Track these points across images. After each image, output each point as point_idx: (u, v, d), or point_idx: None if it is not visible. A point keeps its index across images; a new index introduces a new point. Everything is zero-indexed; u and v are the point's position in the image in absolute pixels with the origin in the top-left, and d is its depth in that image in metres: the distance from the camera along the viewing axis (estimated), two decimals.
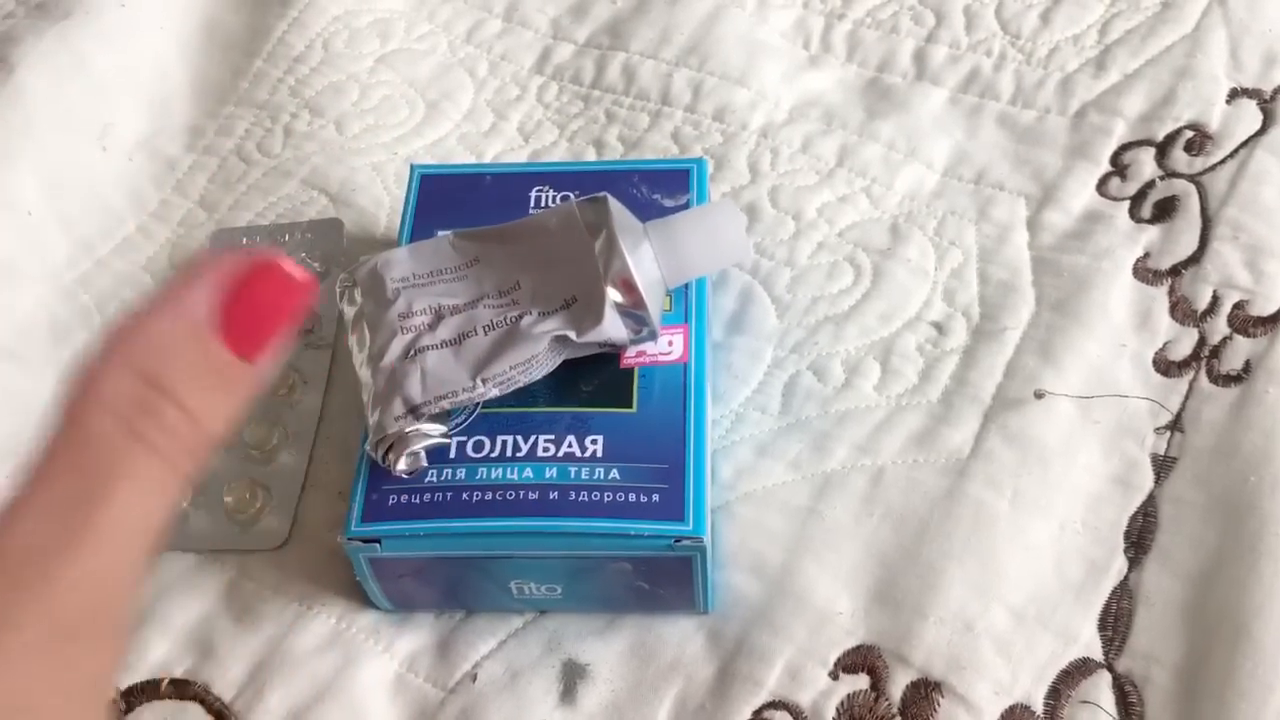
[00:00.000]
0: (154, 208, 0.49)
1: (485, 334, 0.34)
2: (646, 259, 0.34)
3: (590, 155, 0.48)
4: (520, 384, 0.34)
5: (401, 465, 0.33)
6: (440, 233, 0.36)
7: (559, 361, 0.34)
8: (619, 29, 0.52)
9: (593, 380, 0.35)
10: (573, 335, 0.33)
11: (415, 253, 0.36)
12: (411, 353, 0.34)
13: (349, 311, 0.36)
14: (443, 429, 0.34)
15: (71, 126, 0.49)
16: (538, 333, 0.33)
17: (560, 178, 0.41)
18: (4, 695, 0.19)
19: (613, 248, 0.34)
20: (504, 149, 0.49)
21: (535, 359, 0.33)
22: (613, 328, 0.33)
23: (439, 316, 0.34)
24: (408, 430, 0.33)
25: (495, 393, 0.33)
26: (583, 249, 0.34)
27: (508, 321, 0.34)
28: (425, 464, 0.33)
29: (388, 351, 0.34)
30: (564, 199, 0.40)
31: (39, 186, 0.47)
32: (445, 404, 0.33)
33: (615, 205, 0.35)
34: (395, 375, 0.33)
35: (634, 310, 0.34)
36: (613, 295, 0.33)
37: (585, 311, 0.34)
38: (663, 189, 0.40)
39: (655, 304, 0.34)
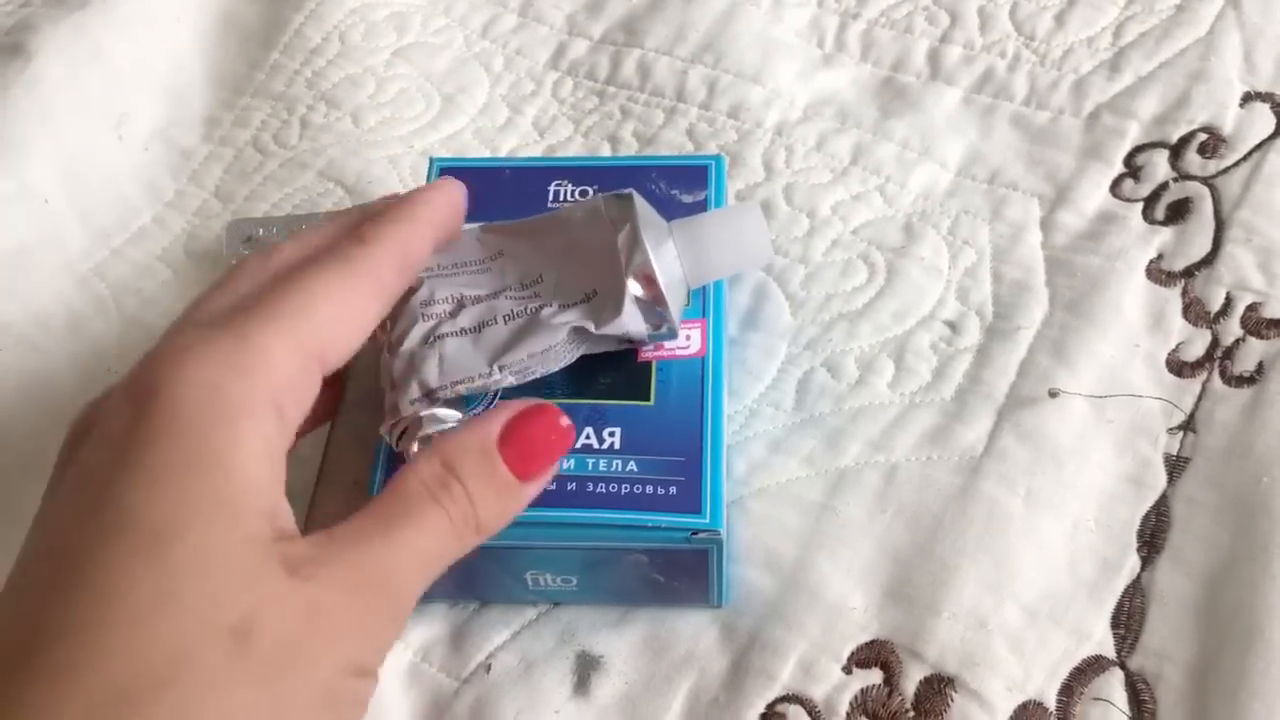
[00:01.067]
0: (170, 198, 0.49)
1: (505, 323, 0.34)
2: (669, 256, 0.34)
3: (605, 151, 0.49)
4: (537, 374, 0.34)
5: (415, 449, 0.33)
6: (467, 226, 0.36)
7: (578, 354, 0.34)
8: (634, 25, 0.52)
9: (611, 373, 0.35)
10: (591, 327, 0.33)
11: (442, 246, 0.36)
12: (430, 339, 0.34)
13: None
14: (458, 415, 0.34)
15: (88, 116, 0.49)
16: (556, 323, 0.33)
17: (579, 173, 0.41)
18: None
19: (635, 242, 0.34)
20: (519, 144, 0.49)
21: (553, 349, 0.33)
22: (632, 321, 0.34)
23: (460, 305, 0.34)
24: (423, 414, 0.33)
25: (511, 380, 0.34)
26: (606, 242, 0.34)
27: (528, 312, 0.34)
28: None
29: (408, 337, 0.34)
30: (583, 193, 0.40)
31: (56, 175, 0.48)
32: (461, 389, 0.33)
33: (640, 201, 0.35)
34: (413, 360, 0.33)
35: (654, 305, 0.34)
36: (633, 289, 0.34)
37: (605, 304, 0.34)
38: (681, 185, 0.40)
39: (676, 301, 0.34)
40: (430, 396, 0.33)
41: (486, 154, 0.49)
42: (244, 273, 0.30)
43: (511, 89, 0.51)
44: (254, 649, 0.24)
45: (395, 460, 0.34)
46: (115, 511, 0.24)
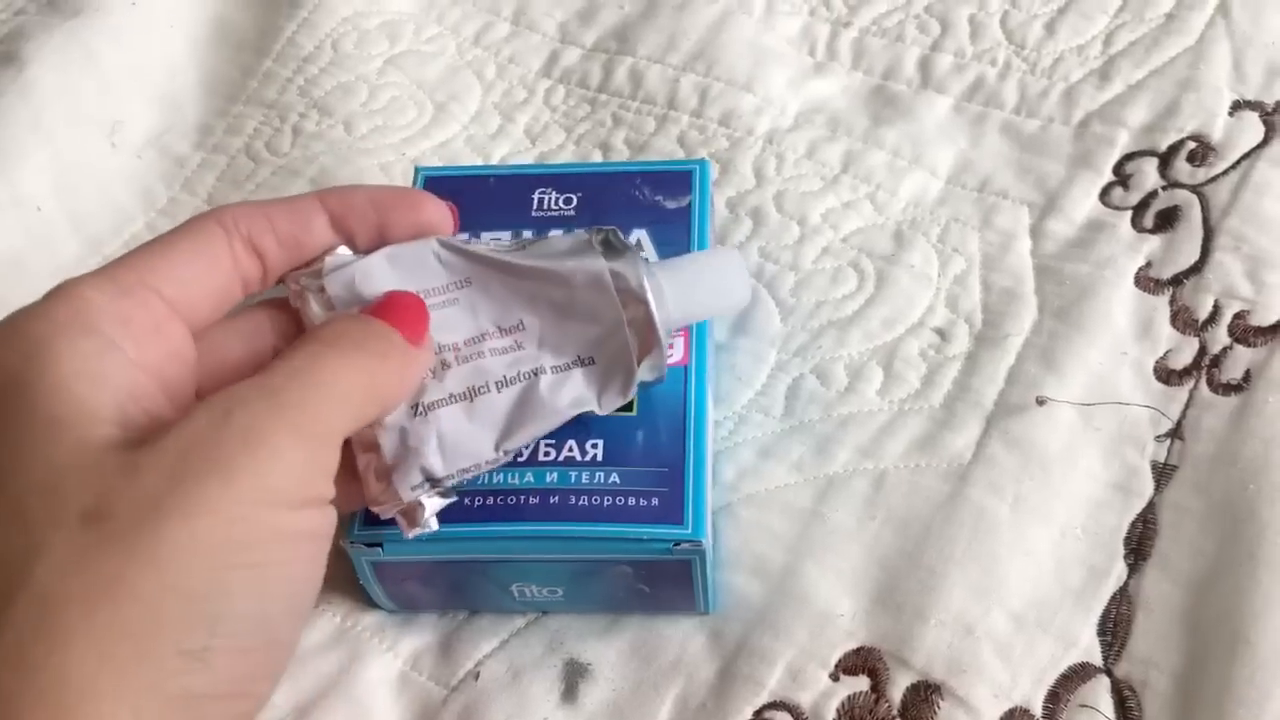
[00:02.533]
0: (163, 205, 0.49)
1: (498, 390, 0.32)
2: (665, 305, 0.33)
3: (596, 158, 0.49)
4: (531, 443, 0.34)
5: (413, 532, 0.31)
6: (422, 240, 0.34)
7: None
8: (626, 34, 0.53)
9: None
10: (596, 409, 0.33)
11: (396, 262, 0.33)
12: (419, 409, 0.31)
13: (318, 319, 0.32)
14: (454, 493, 0.32)
15: (81, 123, 0.50)
16: (561, 406, 0.32)
17: (563, 179, 0.41)
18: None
19: (649, 324, 0.33)
20: (511, 151, 0.50)
21: (555, 426, 0.33)
22: (631, 394, 0.33)
23: (443, 362, 0.32)
24: (424, 500, 0.31)
25: (512, 458, 0.33)
26: (612, 313, 0.33)
27: (521, 377, 0.32)
28: (436, 527, 0.31)
29: None
30: (566, 201, 0.40)
31: (48, 182, 0.48)
32: (467, 475, 0.32)
33: (646, 269, 0.33)
34: (406, 439, 0.31)
35: (655, 376, 0.33)
36: (643, 374, 0.33)
37: (608, 378, 0.33)
38: (665, 190, 0.40)
39: (664, 349, 0.33)
40: (434, 483, 0.31)
41: (478, 161, 0.49)
42: None
43: (504, 97, 0.52)
44: (112, 523, 0.24)
45: None
46: None
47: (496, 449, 0.32)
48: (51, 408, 0.26)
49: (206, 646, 0.24)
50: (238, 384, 0.27)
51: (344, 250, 0.33)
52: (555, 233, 0.37)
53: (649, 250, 0.39)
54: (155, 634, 0.24)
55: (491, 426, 0.32)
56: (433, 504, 0.31)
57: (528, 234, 0.39)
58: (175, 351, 0.29)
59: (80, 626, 0.23)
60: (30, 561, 0.24)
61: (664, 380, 0.34)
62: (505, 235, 0.39)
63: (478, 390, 0.32)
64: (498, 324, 0.33)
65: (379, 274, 0.33)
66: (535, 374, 0.32)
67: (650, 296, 0.33)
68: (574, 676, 0.35)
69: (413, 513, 0.31)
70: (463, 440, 0.31)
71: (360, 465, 0.31)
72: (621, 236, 0.34)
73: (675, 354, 0.36)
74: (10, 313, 0.28)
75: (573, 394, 0.32)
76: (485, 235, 0.39)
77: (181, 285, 0.30)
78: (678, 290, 0.34)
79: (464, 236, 0.37)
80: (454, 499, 0.32)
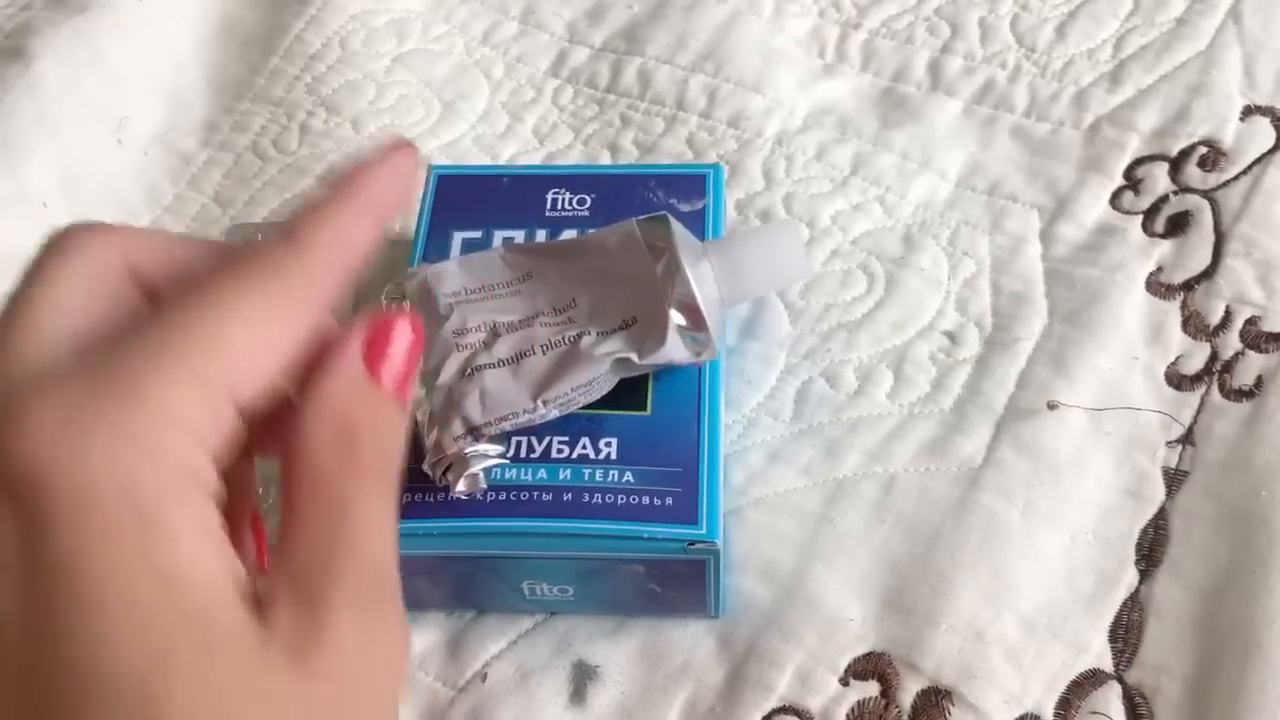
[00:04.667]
0: (169, 202, 0.49)
1: (544, 353, 0.34)
2: (707, 279, 0.34)
3: (605, 159, 0.49)
4: (579, 404, 0.34)
5: (461, 486, 0.33)
6: (490, 248, 0.36)
7: (616, 381, 0.34)
8: (635, 34, 0.52)
9: None
10: (635, 358, 0.33)
11: (465, 266, 0.36)
12: (469, 371, 0.33)
13: None
14: (500, 449, 0.33)
15: (88, 119, 0.49)
16: (599, 354, 0.33)
17: (577, 181, 0.41)
18: None
19: (676, 270, 0.34)
20: (519, 151, 0.49)
21: (596, 380, 0.33)
22: (674, 349, 0.33)
23: (495, 334, 0.34)
24: (467, 451, 0.33)
25: (555, 414, 0.33)
26: (644, 270, 0.34)
27: (566, 341, 0.34)
28: (484, 485, 0.33)
29: (443, 369, 0.33)
30: (580, 202, 0.40)
31: (55, 179, 0.48)
32: (506, 425, 0.33)
33: (677, 225, 0.35)
34: (453, 394, 0.33)
35: (695, 332, 0.34)
36: (676, 318, 0.33)
37: (647, 333, 0.33)
38: (679, 194, 0.40)
39: (715, 324, 0.34)
40: (474, 433, 0.33)
41: (486, 161, 0.49)
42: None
43: (512, 96, 0.51)
44: None
45: None
46: (70, 677, 0.19)
47: (534, 399, 0.33)
48: (191, 605, 0.20)
49: None
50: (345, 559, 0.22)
51: (425, 264, 0.37)
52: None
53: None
54: None
55: (532, 382, 0.33)
56: (482, 460, 0.33)
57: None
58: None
59: None
60: None
61: (715, 357, 0.35)
62: (519, 235, 0.39)
63: (523, 354, 0.34)
64: (552, 305, 0.35)
65: (449, 275, 0.36)
66: (579, 336, 0.34)
67: (678, 245, 0.34)
68: (582, 678, 0.35)
69: (461, 464, 0.32)
70: (503, 394, 0.33)
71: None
72: (667, 214, 0.35)
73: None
74: (78, 400, 0.20)
75: (611, 347, 0.33)
76: (498, 235, 0.39)
77: (258, 384, 0.23)
78: (730, 266, 0.35)
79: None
80: (505, 460, 0.33)
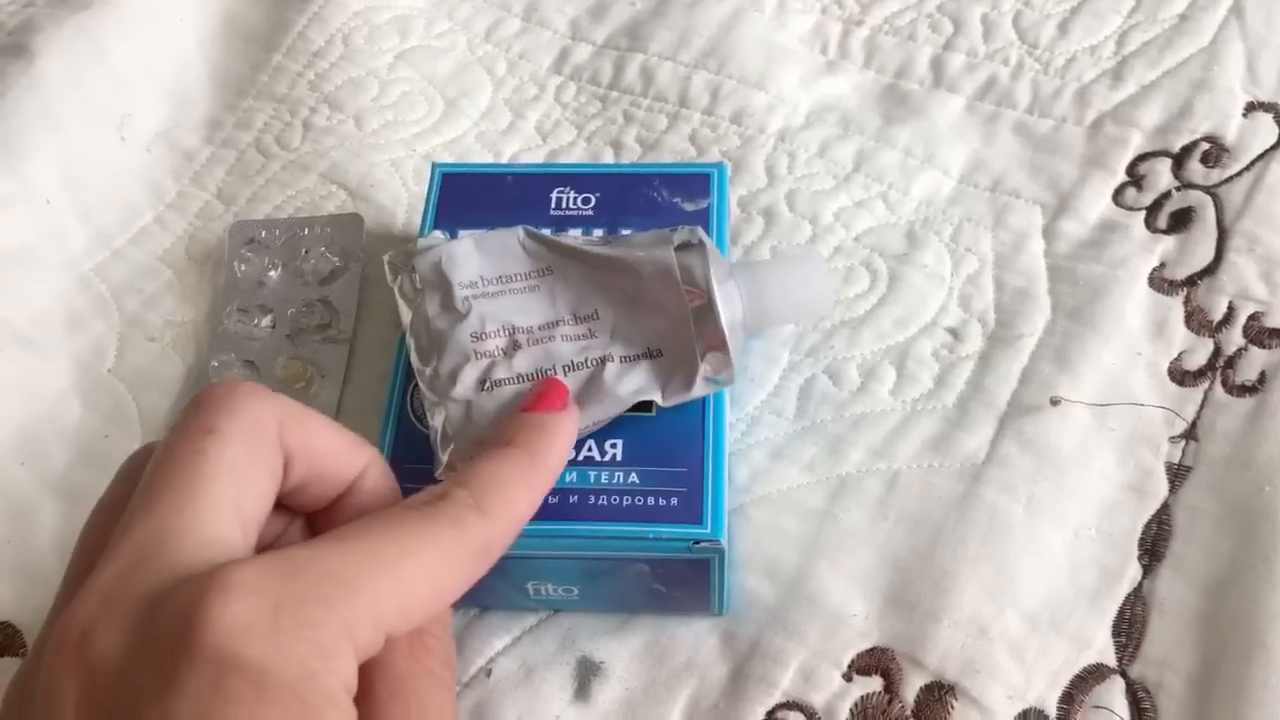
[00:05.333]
0: (172, 199, 0.49)
1: (565, 374, 0.33)
2: (735, 306, 0.34)
3: (608, 156, 0.49)
4: (593, 431, 0.34)
5: None
6: (509, 229, 0.36)
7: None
8: (638, 30, 0.52)
9: None
10: (659, 399, 0.33)
11: (482, 247, 0.36)
12: (487, 385, 0.33)
13: (406, 306, 0.35)
14: None
15: (91, 116, 0.49)
16: (623, 394, 0.33)
17: (581, 179, 0.41)
18: None
19: (713, 319, 0.33)
20: (521, 148, 0.49)
21: (615, 413, 0.33)
22: (698, 390, 0.34)
23: (514, 343, 0.34)
24: None
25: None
26: (678, 306, 0.34)
27: (589, 363, 0.33)
28: None
29: (459, 378, 0.33)
30: (584, 201, 0.40)
31: (58, 176, 0.48)
32: None
33: (714, 258, 0.34)
34: (471, 412, 0.33)
35: (719, 375, 0.34)
36: (706, 369, 0.33)
37: (673, 370, 0.33)
38: (683, 192, 0.40)
39: (736, 350, 0.34)
40: None
41: (489, 158, 0.49)
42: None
43: (514, 93, 0.51)
44: None
45: (395, 468, 0.34)
46: None
47: None
48: None
49: None
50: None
51: (438, 233, 0.36)
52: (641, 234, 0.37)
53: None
54: None
55: None
56: None
57: (625, 232, 0.38)
58: None
59: None
60: None
61: (733, 382, 0.34)
62: (547, 234, 0.39)
63: (544, 372, 0.33)
64: (573, 312, 0.34)
65: (464, 258, 0.35)
66: (602, 361, 0.33)
67: (716, 289, 0.34)
68: (587, 675, 0.35)
69: None
70: None
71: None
72: (702, 234, 0.35)
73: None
74: (284, 598, 0.23)
75: (636, 383, 0.33)
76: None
77: (416, 619, 0.26)
78: (755, 292, 0.35)
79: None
80: None
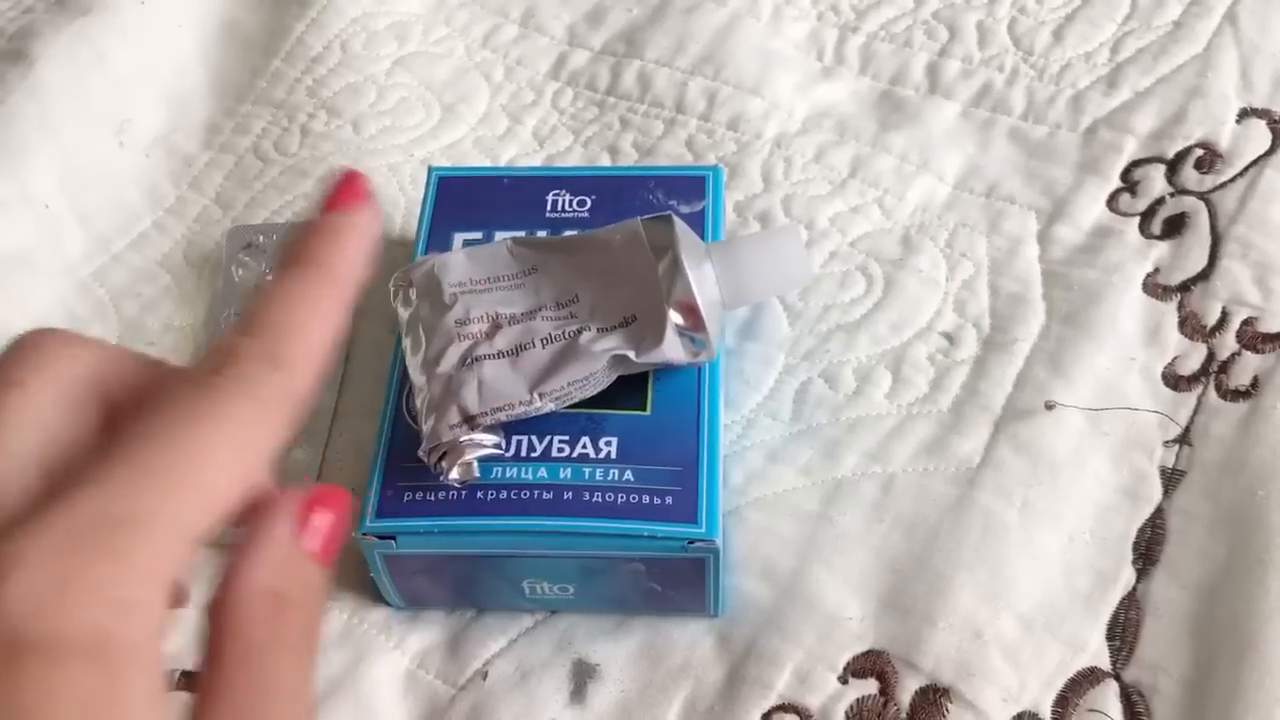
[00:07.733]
0: (170, 204, 0.49)
1: (543, 346, 0.34)
2: (708, 280, 0.35)
3: (604, 161, 0.49)
4: (575, 399, 0.34)
5: (454, 474, 0.33)
6: (498, 239, 0.36)
7: (614, 378, 0.34)
8: (635, 37, 0.53)
9: None
10: (632, 355, 0.34)
11: (473, 257, 0.36)
12: (468, 361, 0.34)
13: (404, 313, 0.36)
14: (496, 439, 0.34)
15: (90, 121, 0.50)
16: (597, 350, 0.33)
17: (577, 182, 0.41)
18: None
19: (677, 270, 0.34)
20: (519, 153, 0.50)
21: (592, 376, 0.34)
22: (672, 349, 0.34)
23: (496, 325, 0.34)
24: (462, 440, 0.33)
25: (551, 407, 0.34)
26: (646, 268, 0.34)
27: (566, 335, 0.34)
28: (478, 474, 0.33)
29: (444, 358, 0.34)
30: (580, 203, 0.40)
31: (57, 180, 0.48)
32: (501, 416, 0.33)
33: (680, 225, 0.35)
34: (451, 383, 0.33)
35: (694, 332, 0.34)
36: (674, 318, 0.34)
37: (645, 331, 0.34)
38: (679, 195, 0.40)
39: (714, 325, 0.35)
40: (470, 422, 0.33)
41: (486, 163, 0.49)
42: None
43: (512, 99, 0.52)
44: None
45: (391, 466, 0.34)
46: None
47: (531, 391, 0.33)
48: None
49: None
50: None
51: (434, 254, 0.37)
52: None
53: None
54: None
55: (530, 375, 0.33)
56: (476, 449, 0.33)
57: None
58: None
59: None
60: None
61: (714, 358, 0.35)
62: (519, 236, 0.39)
63: (523, 347, 0.34)
64: (555, 299, 0.35)
65: (456, 265, 0.36)
66: (579, 331, 0.34)
67: (681, 246, 0.34)
68: (583, 677, 0.35)
69: (456, 452, 0.33)
70: (500, 385, 0.33)
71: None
72: (673, 215, 0.36)
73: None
74: (59, 548, 0.20)
75: (610, 344, 0.34)
76: (499, 235, 0.39)
77: (224, 513, 0.23)
78: (732, 268, 0.35)
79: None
80: (500, 450, 0.33)
